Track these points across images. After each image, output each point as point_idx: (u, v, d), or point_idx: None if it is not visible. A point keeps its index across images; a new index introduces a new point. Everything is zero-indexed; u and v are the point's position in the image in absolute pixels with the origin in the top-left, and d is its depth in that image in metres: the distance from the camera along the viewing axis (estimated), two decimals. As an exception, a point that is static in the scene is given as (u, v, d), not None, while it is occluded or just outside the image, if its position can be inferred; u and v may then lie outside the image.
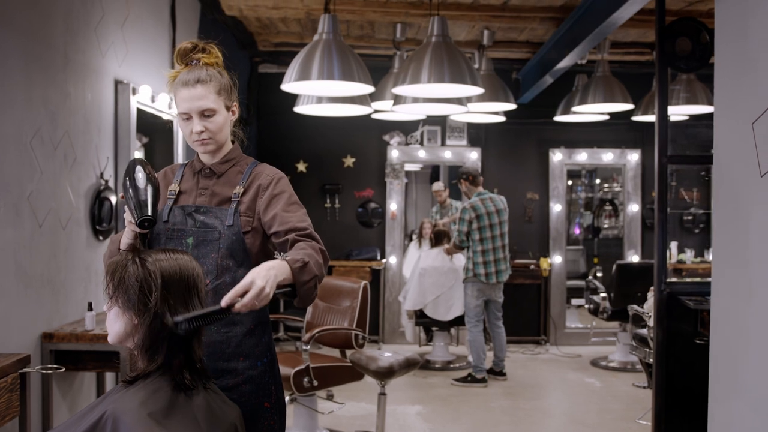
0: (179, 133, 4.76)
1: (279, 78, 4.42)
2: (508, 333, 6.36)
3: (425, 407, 5.25)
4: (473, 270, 5.92)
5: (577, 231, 8.82)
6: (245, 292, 1.66)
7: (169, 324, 1.61)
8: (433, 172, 8.83)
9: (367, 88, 4.21)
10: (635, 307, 4.66)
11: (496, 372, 6.06)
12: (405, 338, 7.02)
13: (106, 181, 3.87)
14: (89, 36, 3.70)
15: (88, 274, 3.73)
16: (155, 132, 4.64)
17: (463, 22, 5.87)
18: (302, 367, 3.96)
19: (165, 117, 4.62)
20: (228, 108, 2.07)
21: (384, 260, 7.53)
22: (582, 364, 6.66)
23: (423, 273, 6.37)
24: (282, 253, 1.98)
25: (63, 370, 3.01)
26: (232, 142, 2.15)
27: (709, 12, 5.14)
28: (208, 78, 2.01)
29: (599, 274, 7.53)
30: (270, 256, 2.07)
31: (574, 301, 7.71)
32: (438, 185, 7.56)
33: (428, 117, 7.10)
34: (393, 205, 7.60)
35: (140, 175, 1.87)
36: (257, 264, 2.01)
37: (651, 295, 4.38)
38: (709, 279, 2.66)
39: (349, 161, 7.63)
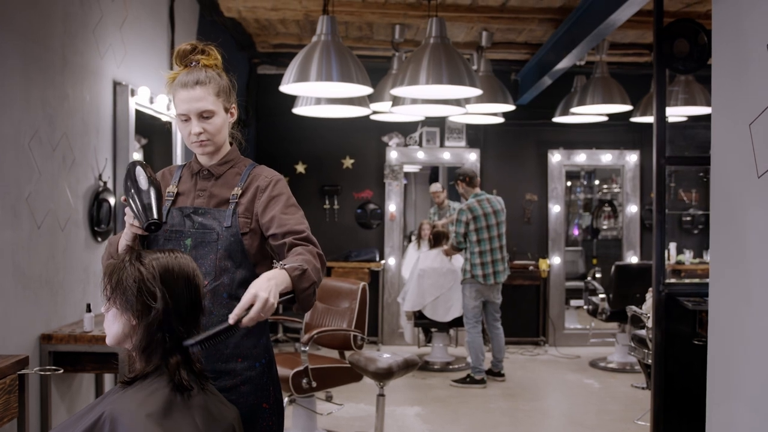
0: (178, 135, 4.76)
1: (278, 79, 4.42)
2: (507, 334, 6.36)
3: (424, 408, 5.25)
4: (471, 271, 5.93)
5: (576, 232, 8.82)
6: (250, 306, 1.67)
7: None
8: (432, 173, 8.83)
9: (366, 90, 4.22)
10: (633, 308, 4.66)
11: (495, 373, 6.06)
12: (404, 339, 7.02)
13: (105, 183, 3.87)
14: (88, 37, 3.71)
15: (87, 276, 3.73)
16: (154, 133, 4.64)
17: (462, 23, 5.88)
18: (301, 368, 3.96)
19: (164, 118, 4.62)
20: (227, 110, 2.07)
21: (383, 261, 7.53)
22: (581, 365, 6.66)
23: (422, 274, 6.37)
24: (278, 261, 1.99)
25: (61, 371, 3.01)
26: (230, 143, 2.15)
27: (707, 13, 5.15)
28: (207, 80, 2.01)
29: (598, 275, 7.53)
30: (268, 257, 2.07)
31: (573, 302, 7.72)
32: (436, 186, 7.56)
33: (427, 118, 7.10)
34: (392, 207, 7.60)
35: (142, 177, 1.85)
36: (255, 265, 2.02)
37: (649, 296, 4.39)
38: (707, 280, 2.67)
39: (348, 162, 7.64)
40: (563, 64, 5.70)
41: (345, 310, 4.40)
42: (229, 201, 2.04)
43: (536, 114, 7.43)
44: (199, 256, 1.97)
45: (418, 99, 4.87)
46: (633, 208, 7.66)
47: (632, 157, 7.64)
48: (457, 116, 6.33)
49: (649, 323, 4.08)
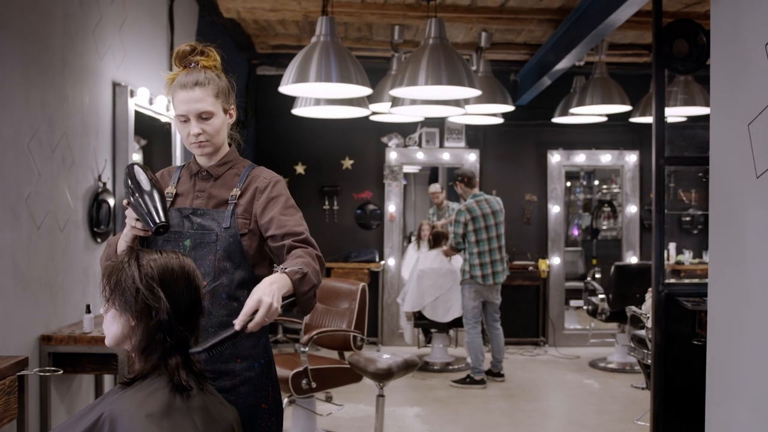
0: (177, 136, 4.76)
1: (277, 80, 4.42)
2: (507, 334, 6.36)
3: (424, 409, 5.25)
4: (470, 272, 5.93)
5: (575, 232, 8.83)
6: (255, 312, 1.68)
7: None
8: (431, 173, 8.84)
9: (365, 90, 4.22)
10: (633, 308, 4.67)
11: (494, 373, 6.07)
12: (404, 340, 7.02)
13: (104, 184, 3.87)
14: (87, 39, 3.71)
15: (86, 277, 3.73)
16: (153, 134, 4.64)
17: (461, 24, 5.88)
18: (301, 368, 3.96)
19: (163, 119, 4.62)
20: (225, 111, 2.07)
21: (383, 262, 7.53)
22: (580, 366, 6.67)
23: (422, 275, 6.37)
24: (277, 263, 2.01)
25: (61, 372, 3.01)
26: (229, 144, 2.15)
27: (706, 14, 5.16)
28: (206, 81, 2.01)
29: (598, 276, 7.53)
30: (266, 258, 2.07)
31: (573, 303, 7.73)
32: (435, 187, 7.57)
33: (426, 119, 7.11)
34: (391, 207, 7.61)
35: (144, 179, 1.85)
36: (254, 265, 2.03)
37: (649, 297, 4.39)
38: (707, 280, 2.67)
39: (348, 163, 7.64)
40: (562, 64, 5.70)
41: (344, 311, 4.40)
42: (227, 202, 2.04)
43: (536, 114, 7.44)
44: (198, 257, 1.97)
45: (418, 100, 4.87)
46: (632, 209, 7.66)
47: (632, 158, 7.64)
48: (457, 117, 6.34)
49: (649, 323, 4.08)
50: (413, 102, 4.97)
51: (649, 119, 6.25)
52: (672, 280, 4.12)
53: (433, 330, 6.62)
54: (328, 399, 5.22)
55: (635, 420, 4.86)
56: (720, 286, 2.53)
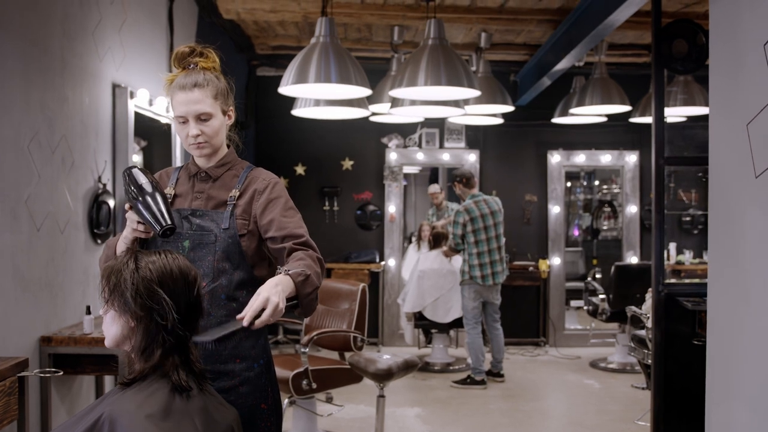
0: (177, 137, 4.75)
1: (276, 81, 4.43)
2: (507, 335, 6.36)
3: (424, 409, 5.25)
4: (469, 272, 5.93)
5: (576, 232, 8.83)
6: (262, 310, 1.70)
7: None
8: (431, 174, 8.84)
9: (365, 91, 4.22)
10: (633, 308, 4.67)
11: (494, 374, 6.07)
12: (404, 340, 7.02)
13: (104, 185, 3.87)
14: (87, 40, 3.71)
15: (86, 278, 3.73)
16: (153, 135, 4.64)
17: (461, 24, 5.88)
18: (301, 369, 3.96)
19: (163, 120, 4.63)
20: (224, 112, 2.08)
21: (383, 263, 7.53)
22: (581, 366, 6.67)
23: (422, 275, 6.37)
24: (277, 264, 2.01)
25: (61, 373, 3.01)
26: (228, 146, 2.15)
27: (706, 14, 5.14)
28: (205, 82, 2.02)
29: (598, 276, 7.53)
30: (265, 259, 2.08)
31: (573, 303, 7.72)
32: (434, 188, 7.57)
33: (426, 119, 7.11)
34: (391, 208, 7.61)
35: (146, 182, 1.84)
36: (253, 266, 2.03)
37: (649, 297, 4.39)
38: (706, 280, 2.67)
39: (348, 164, 7.64)
40: (562, 64, 5.70)
41: (345, 312, 4.40)
42: (226, 203, 2.04)
43: (535, 115, 7.44)
44: (197, 258, 1.97)
45: (417, 100, 4.87)
46: (633, 209, 7.66)
47: (631, 158, 7.64)
48: (457, 117, 6.34)
49: (649, 323, 4.08)
50: (413, 103, 4.98)
51: (648, 119, 6.25)
52: (672, 280, 4.13)
53: (433, 330, 6.62)
54: (329, 400, 5.21)
55: (635, 420, 4.86)
56: (719, 286, 2.53)
